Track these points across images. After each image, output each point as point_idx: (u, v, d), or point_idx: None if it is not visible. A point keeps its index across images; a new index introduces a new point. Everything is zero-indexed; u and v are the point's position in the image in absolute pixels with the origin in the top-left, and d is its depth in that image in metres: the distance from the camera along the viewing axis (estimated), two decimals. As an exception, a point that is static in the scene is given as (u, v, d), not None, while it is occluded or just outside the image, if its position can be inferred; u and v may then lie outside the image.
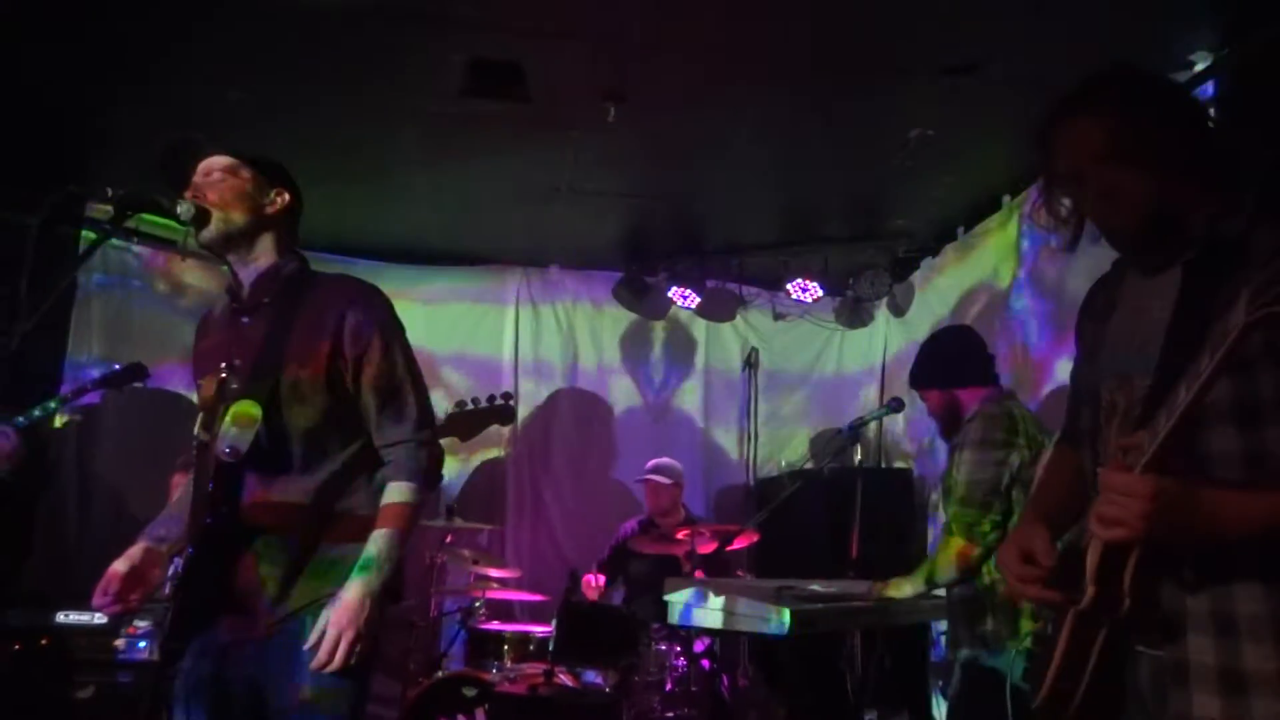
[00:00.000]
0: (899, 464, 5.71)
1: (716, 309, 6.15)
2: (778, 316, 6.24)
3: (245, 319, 2.01)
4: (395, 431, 1.98)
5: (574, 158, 4.55)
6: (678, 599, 2.85)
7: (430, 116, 4.14)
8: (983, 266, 5.06)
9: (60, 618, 4.07)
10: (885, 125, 4.15)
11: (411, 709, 3.91)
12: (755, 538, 4.46)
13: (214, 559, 1.85)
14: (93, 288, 5.16)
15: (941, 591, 2.75)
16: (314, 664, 1.80)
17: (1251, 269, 1.27)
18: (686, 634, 3.89)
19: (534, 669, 4.00)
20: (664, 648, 4.01)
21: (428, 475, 1.98)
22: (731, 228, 5.56)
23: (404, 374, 2.01)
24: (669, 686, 3.89)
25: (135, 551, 2.00)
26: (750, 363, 6.18)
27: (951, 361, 2.90)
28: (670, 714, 3.86)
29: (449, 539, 4.68)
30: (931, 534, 5.15)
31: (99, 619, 4.00)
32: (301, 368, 1.90)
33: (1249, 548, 1.32)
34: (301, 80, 3.87)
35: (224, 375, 1.90)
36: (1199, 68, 3.46)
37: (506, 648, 4.24)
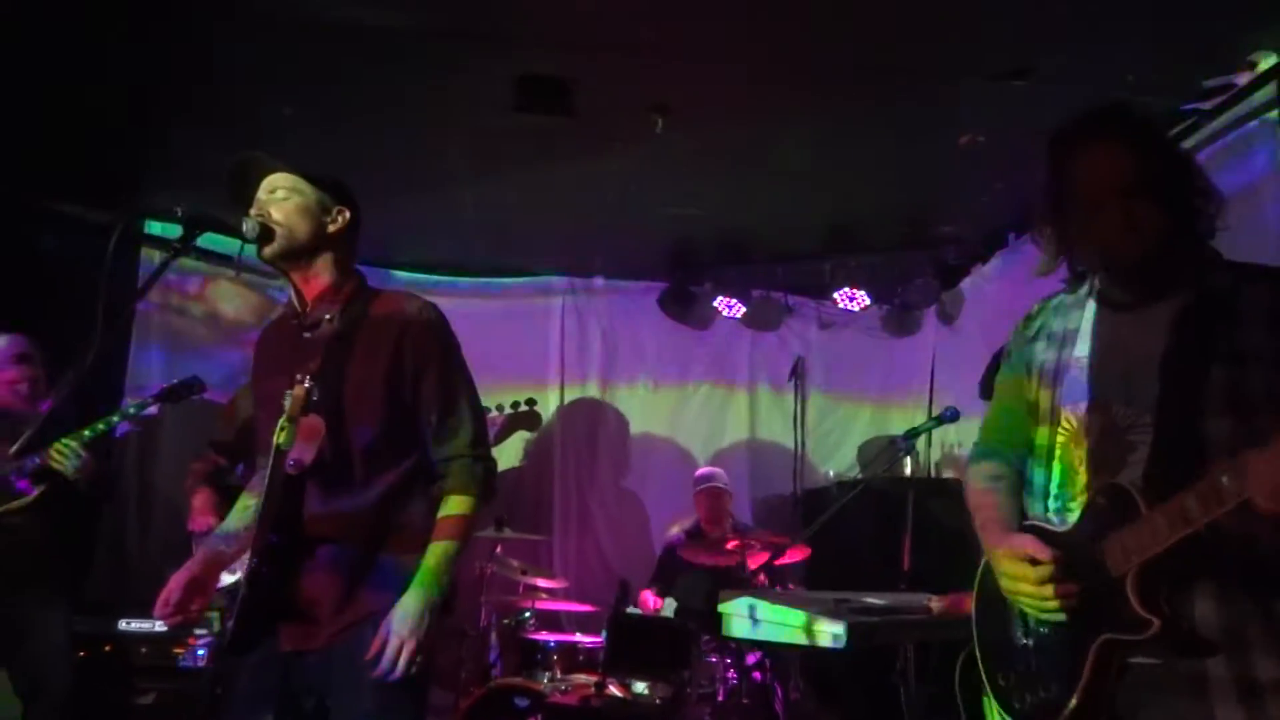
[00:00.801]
0: (948, 474, 5.62)
1: (762, 318, 6.12)
2: (824, 325, 6.20)
3: (306, 334, 2.05)
4: (451, 445, 2.00)
5: (620, 170, 4.57)
6: (732, 611, 2.83)
7: (478, 132, 4.19)
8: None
9: (122, 625, 4.17)
10: (934, 131, 4.12)
11: (464, 719, 3.93)
12: (807, 552, 4.42)
13: (276, 570, 1.88)
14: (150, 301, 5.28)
15: None
16: (375, 673, 1.82)
17: (1245, 327, 1.48)
18: (737, 646, 3.87)
19: (585, 680, 4.00)
20: (714, 660, 3.99)
21: (483, 488, 2.01)
22: (777, 236, 5.54)
23: (460, 389, 2.04)
24: (721, 698, 3.87)
25: (195, 562, 2.04)
26: (797, 372, 6.14)
27: None
28: (722, 727, 3.84)
29: (498, 549, 4.71)
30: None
31: (160, 627, 4.09)
32: (362, 383, 1.94)
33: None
34: (352, 97, 3.94)
35: (287, 391, 1.93)
36: (1262, 67, 3.38)
37: (556, 658, 4.25)
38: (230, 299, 5.54)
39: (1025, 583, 1.55)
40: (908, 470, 4.35)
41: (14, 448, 2.98)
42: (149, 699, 4.10)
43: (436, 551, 1.92)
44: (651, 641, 4.00)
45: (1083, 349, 1.64)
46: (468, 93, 3.85)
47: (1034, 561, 1.54)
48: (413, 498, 2.00)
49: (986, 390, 2.94)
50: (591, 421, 6.12)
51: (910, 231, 5.36)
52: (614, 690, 3.92)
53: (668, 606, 4.73)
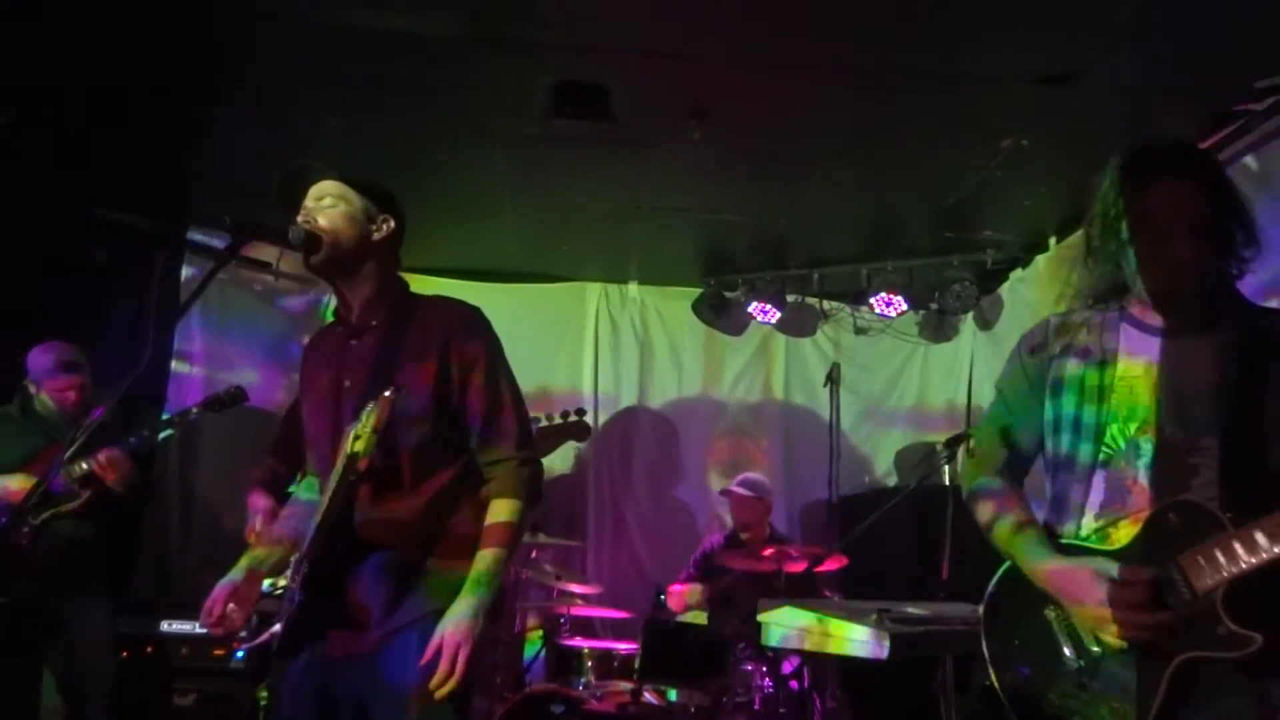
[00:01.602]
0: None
1: (797, 324, 6.07)
2: (859, 331, 6.15)
3: (353, 341, 2.07)
4: (498, 449, 2.01)
5: (656, 175, 4.57)
6: (772, 619, 2.81)
7: (516, 138, 4.20)
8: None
9: (164, 626, 4.23)
10: (976, 135, 4.06)
11: (500, 724, 3.94)
12: (844, 561, 4.38)
13: (326, 575, 1.89)
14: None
15: None
16: (435, 681, 1.83)
17: None
18: (774, 654, 3.84)
19: (621, 686, 3.99)
20: (749, 668, 3.96)
21: (530, 492, 2.02)
22: (814, 242, 5.50)
23: (506, 393, 2.05)
24: (757, 707, 3.84)
25: (238, 572, 2.07)
26: (832, 378, 6.08)
27: None
28: (760, 736, 3.81)
29: (533, 554, 4.72)
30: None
31: (200, 628, 4.13)
32: (410, 388, 1.94)
33: None
34: (391, 104, 3.97)
35: (337, 398, 1.95)
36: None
37: (591, 664, 4.24)
38: (269, 304, 5.62)
39: (1119, 609, 1.51)
40: (946, 478, 4.29)
41: (65, 454, 3.02)
42: (190, 700, 4.15)
43: (486, 557, 1.93)
44: (687, 649, 3.99)
45: (1126, 369, 1.66)
46: (506, 99, 3.87)
47: (1118, 583, 1.53)
48: (461, 502, 2.01)
49: None
50: (625, 427, 6.11)
51: (949, 236, 5.29)
52: (650, 697, 3.91)
53: (693, 594, 4.70)
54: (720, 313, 5.98)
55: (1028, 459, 1.86)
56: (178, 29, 3.46)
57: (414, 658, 1.86)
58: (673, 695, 4.06)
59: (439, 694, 1.83)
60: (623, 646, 4.32)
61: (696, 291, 6.00)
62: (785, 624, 2.77)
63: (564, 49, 3.55)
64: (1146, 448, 1.59)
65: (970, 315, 5.82)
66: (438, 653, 1.83)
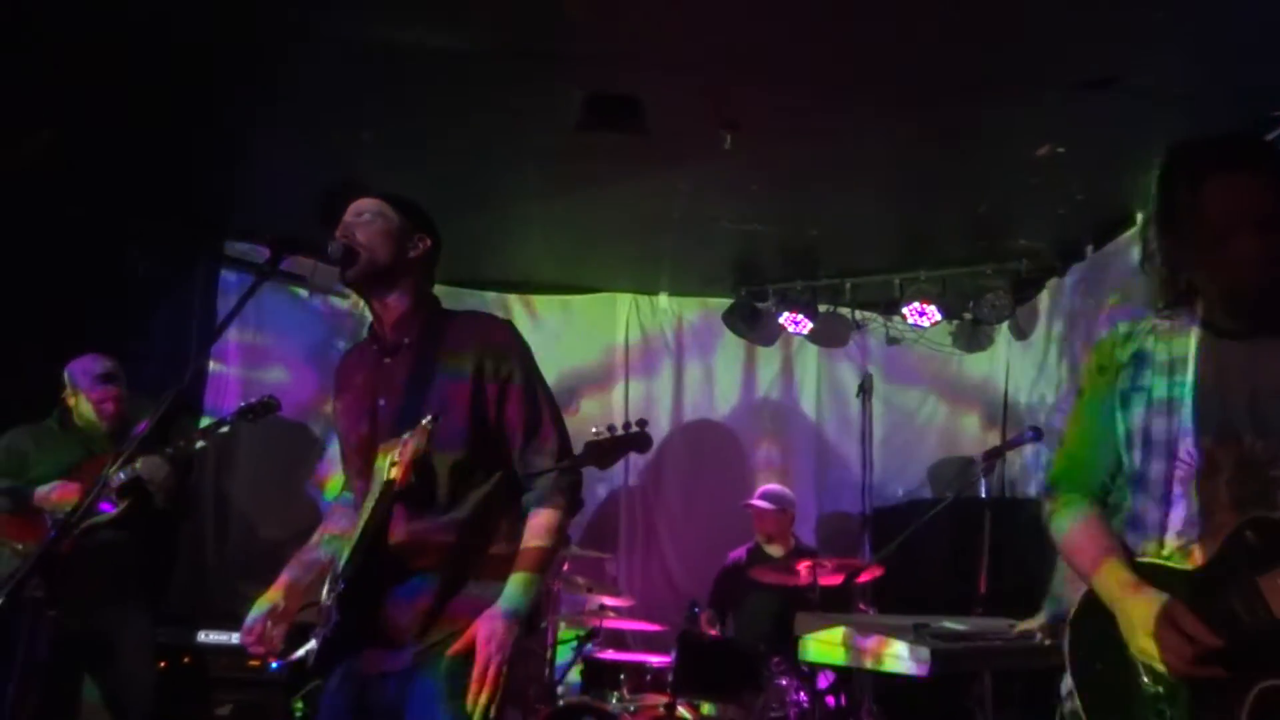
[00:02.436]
0: (1024, 493, 5.45)
1: (829, 334, 6.03)
2: (891, 341, 6.09)
3: (387, 360, 2.07)
4: (537, 462, 2.01)
5: (688, 186, 4.56)
6: (810, 634, 2.78)
7: (548, 150, 4.22)
8: (1113, 286, 4.82)
9: (201, 637, 4.26)
10: (1011, 142, 4.03)
11: (533, 738, 3.93)
12: (879, 572, 4.33)
13: (361, 594, 1.90)
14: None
15: None
16: (471, 691, 1.82)
17: None
18: (810, 669, 3.79)
19: (653, 701, 3.96)
20: (785, 682, 3.92)
21: (570, 501, 2.01)
22: (846, 251, 5.46)
23: (543, 405, 2.05)
24: (792, 722, 3.80)
25: (276, 591, 2.09)
26: (864, 388, 6.03)
27: None
28: (795, 751, 3.77)
29: (565, 567, 4.70)
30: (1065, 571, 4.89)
31: (237, 639, 4.16)
32: (446, 405, 1.95)
33: None
34: (426, 118, 4.00)
35: (373, 417, 1.95)
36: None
37: (623, 677, 4.22)
38: (307, 305, 5.65)
39: (1180, 656, 1.44)
40: (983, 491, 4.23)
41: (112, 468, 3.03)
42: (226, 710, 4.18)
43: (524, 569, 1.93)
44: (722, 663, 3.96)
45: (1194, 377, 1.58)
46: (539, 112, 3.88)
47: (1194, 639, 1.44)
48: (498, 519, 2.01)
49: None
50: (656, 438, 6.07)
51: (984, 245, 5.24)
52: (684, 711, 3.88)
53: (713, 622, 4.68)
54: (751, 323, 5.95)
55: (1109, 481, 1.74)
56: (220, 47, 3.52)
57: (447, 678, 1.86)
58: (707, 709, 4.02)
59: (477, 707, 1.82)
60: (656, 660, 4.29)
61: (728, 302, 5.98)
62: (823, 639, 2.74)
63: (597, 61, 3.57)
64: (1224, 461, 1.51)
65: (1005, 325, 5.74)
66: (469, 647, 1.84)
